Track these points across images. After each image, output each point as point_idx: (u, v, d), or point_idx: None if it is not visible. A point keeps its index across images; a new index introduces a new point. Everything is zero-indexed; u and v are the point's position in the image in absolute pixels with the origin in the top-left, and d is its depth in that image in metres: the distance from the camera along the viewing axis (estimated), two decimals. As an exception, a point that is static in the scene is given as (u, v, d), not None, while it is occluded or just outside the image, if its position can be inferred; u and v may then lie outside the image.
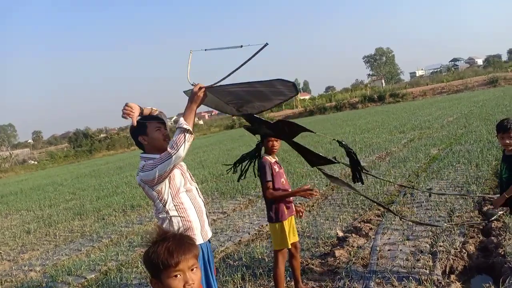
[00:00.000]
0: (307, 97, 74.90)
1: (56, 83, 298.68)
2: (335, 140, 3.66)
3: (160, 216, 2.81)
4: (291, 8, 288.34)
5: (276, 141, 3.68)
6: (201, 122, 79.68)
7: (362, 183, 3.65)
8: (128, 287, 4.79)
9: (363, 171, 3.59)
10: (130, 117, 2.80)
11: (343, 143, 3.46)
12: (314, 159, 3.71)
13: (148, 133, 2.84)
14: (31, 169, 41.99)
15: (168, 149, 2.61)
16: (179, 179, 2.82)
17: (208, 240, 2.94)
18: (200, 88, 2.69)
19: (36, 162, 49.18)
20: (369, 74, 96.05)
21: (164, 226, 2.76)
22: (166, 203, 2.77)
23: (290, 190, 3.74)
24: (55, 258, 6.71)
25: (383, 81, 79.93)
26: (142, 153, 2.90)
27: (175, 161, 2.62)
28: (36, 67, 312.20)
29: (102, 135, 56.81)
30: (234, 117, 65.12)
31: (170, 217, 2.77)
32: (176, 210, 2.79)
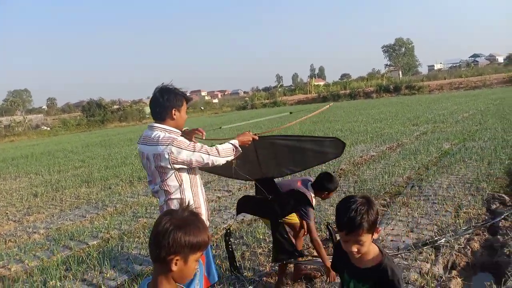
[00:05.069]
0: (321, 83, 74.14)
1: (74, 50, 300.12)
2: None
3: (172, 197, 2.68)
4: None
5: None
6: (215, 100, 79.46)
7: None
8: (128, 256, 4.83)
9: None
10: None
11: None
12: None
13: (181, 110, 2.75)
14: (43, 134, 42.56)
15: (219, 148, 2.68)
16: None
17: None
18: (254, 135, 3.01)
19: (48, 128, 49.80)
20: (386, 64, 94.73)
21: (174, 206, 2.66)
22: (182, 181, 2.67)
23: None
24: (59, 222, 6.80)
25: (400, 72, 78.62)
26: (161, 123, 2.70)
27: (213, 163, 2.68)
28: (54, 33, 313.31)
29: (115, 107, 57.14)
30: (247, 99, 64.82)
31: (185, 196, 2.67)
32: (191, 191, 2.72)
